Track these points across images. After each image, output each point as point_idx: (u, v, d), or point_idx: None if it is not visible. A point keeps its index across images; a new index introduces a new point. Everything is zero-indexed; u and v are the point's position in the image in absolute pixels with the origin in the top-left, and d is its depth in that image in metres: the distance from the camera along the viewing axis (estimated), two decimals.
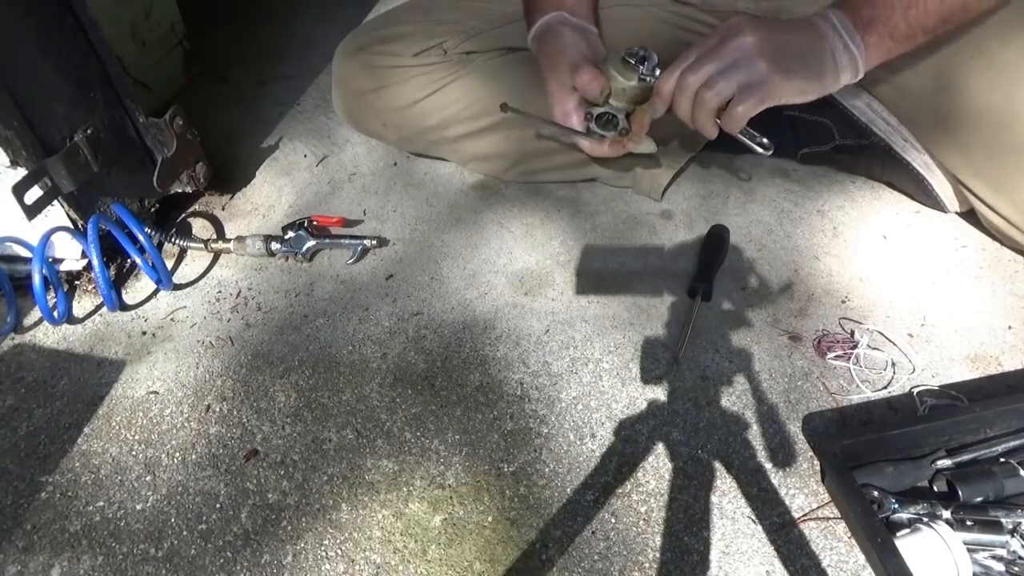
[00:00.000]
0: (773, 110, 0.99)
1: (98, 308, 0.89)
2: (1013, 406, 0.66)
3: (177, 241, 0.93)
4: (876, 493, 0.62)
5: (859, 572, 0.61)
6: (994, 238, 0.90)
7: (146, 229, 0.87)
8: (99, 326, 0.87)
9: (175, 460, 0.72)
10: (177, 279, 0.92)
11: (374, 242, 0.93)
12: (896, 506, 0.61)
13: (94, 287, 0.89)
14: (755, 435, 0.71)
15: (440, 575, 0.62)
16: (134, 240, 0.86)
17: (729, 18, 0.73)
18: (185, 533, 0.66)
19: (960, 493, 0.62)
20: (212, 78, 1.33)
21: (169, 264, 0.94)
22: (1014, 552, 0.59)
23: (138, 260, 0.86)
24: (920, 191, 0.93)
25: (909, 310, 0.82)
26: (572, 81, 0.81)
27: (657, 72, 0.76)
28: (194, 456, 0.72)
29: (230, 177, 1.07)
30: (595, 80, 0.78)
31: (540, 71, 0.87)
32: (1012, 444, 0.66)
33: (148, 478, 0.71)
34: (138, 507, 0.68)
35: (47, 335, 0.86)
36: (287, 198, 1.04)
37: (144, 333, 0.85)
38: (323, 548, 0.64)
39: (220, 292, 0.90)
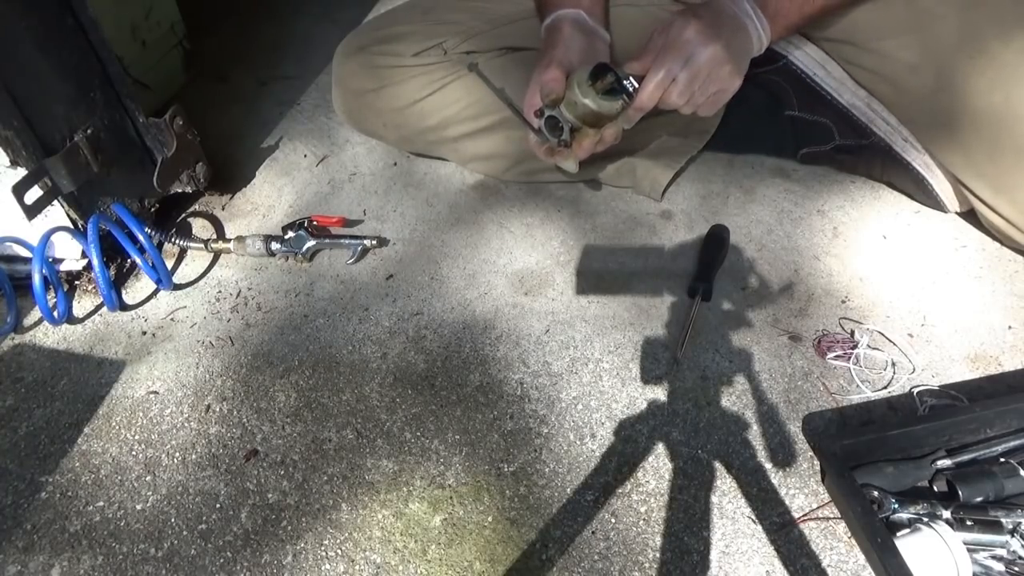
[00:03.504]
0: (774, 110, 1.00)
1: (98, 308, 0.89)
2: (1013, 406, 0.66)
3: (177, 241, 0.93)
4: (876, 493, 0.62)
5: (859, 572, 0.61)
6: (994, 238, 0.90)
7: (146, 229, 0.87)
8: (99, 326, 0.87)
9: (175, 460, 0.72)
10: (177, 279, 0.92)
11: (374, 242, 0.93)
12: (896, 506, 0.61)
13: (94, 287, 0.89)
14: (755, 435, 0.71)
15: (440, 575, 0.62)
16: (134, 240, 0.86)
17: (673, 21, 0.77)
18: (185, 533, 0.66)
19: (960, 493, 0.62)
20: (212, 78, 1.33)
21: (169, 264, 0.94)
22: (1014, 552, 0.59)
23: (138, 260, 0.86)
24: (920, 191, 0.93)
25: (909, 310, 0.82)
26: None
27: (618, 104, 0.76)
28: (194, 456, 0.72)
29: (230, 177, 1.07)
30: (554, 82, 0.78)
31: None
32: (1012, 444, 0.66)
33: (148, 478, 0.71)
34: (138, 507, 0.68)
35: (47, 335, 0.86)
36: (287, 198, 1.04)
37: (144, 333, 0.85)
38: (323, 548, 0.64)
39: (220, 292, 0.90)
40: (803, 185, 1.01)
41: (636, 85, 0.75)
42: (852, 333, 0.80)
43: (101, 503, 0.69)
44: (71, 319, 0.87)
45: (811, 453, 0.69)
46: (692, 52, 0.74)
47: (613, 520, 0.65)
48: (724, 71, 0.76)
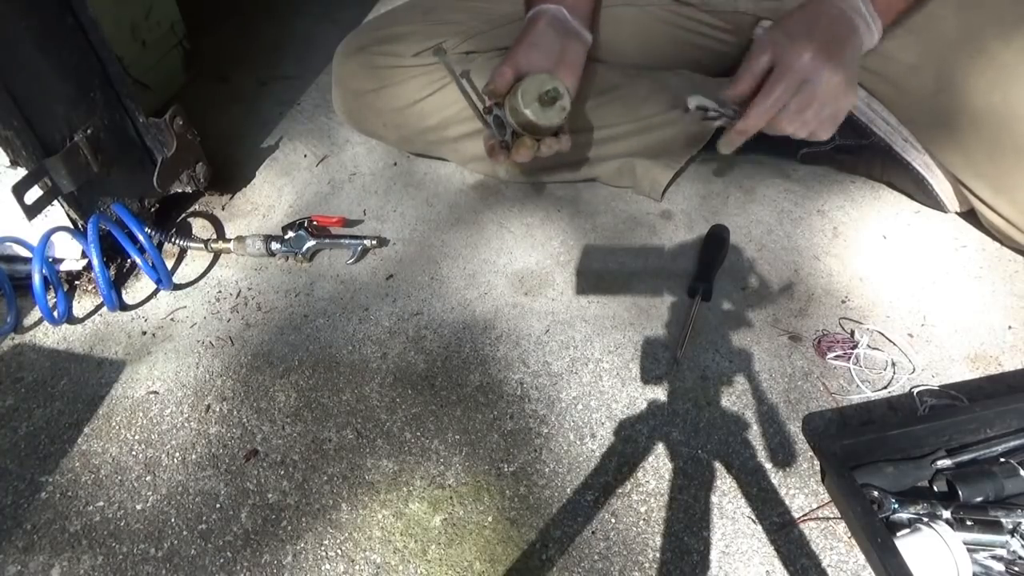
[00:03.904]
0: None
1: (98, 308, 0.89)
2: (1013, 406, 0.66)
3: (177, 241, 0.93)
4: (876, 493, 0.62)
5: (859, 572, 0.61)
6: (994, 238, 0.90)
7: (146, 229, 0.87)
8: (99, 326, 0.87)
9: (175, 460, 0.72)
10: (177, 279, 0.92)
11: (374, 242, 0.93)
12: (896, 506, 0.61)
13: (94, 287, 0.89)
14: (755, 435, 0.71)
15: (440, 575, 0.62)
16: (134, 240, 0.86)
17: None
18: (185, 533, 0.66)
19: (960, 493, 0.62)
20: (212, 78, 1.33)
21: (169, 264, 0.94)
22: (1014, 552, 0.59)
23: (138, 260, 0.86)
24: (920, 191, 0.93)
25: (909, 310, 0.82)
26: None
27: (558, 119, 0.75)
28: (194, 456, 0.72)
29: (230, 177, 1.07)
30: (500, 77, 0.77)
31: None
32: (1012, 444, 0.66)
33: (148, 478, 0.71)
34: (138, 507, 0.68)
35: (47, 335, 0.86)
36: (287, 198, 1.04)
37: (144, 333, 0.86)
38: (323, 548, 0.64)
39: (220, 292, 0.90)
40: (803, 185, 1.01)
41: (735, 111, 0.73)
42: (852, 333, 0.80)
43: (101, 503, 0.69)
44: (71, 319, 0.87)
45: (811, 453, 0.69)
46: (807, 78, 0.70)
47: (613, 520, 0.65)
48: (840, 92, 0.71)
